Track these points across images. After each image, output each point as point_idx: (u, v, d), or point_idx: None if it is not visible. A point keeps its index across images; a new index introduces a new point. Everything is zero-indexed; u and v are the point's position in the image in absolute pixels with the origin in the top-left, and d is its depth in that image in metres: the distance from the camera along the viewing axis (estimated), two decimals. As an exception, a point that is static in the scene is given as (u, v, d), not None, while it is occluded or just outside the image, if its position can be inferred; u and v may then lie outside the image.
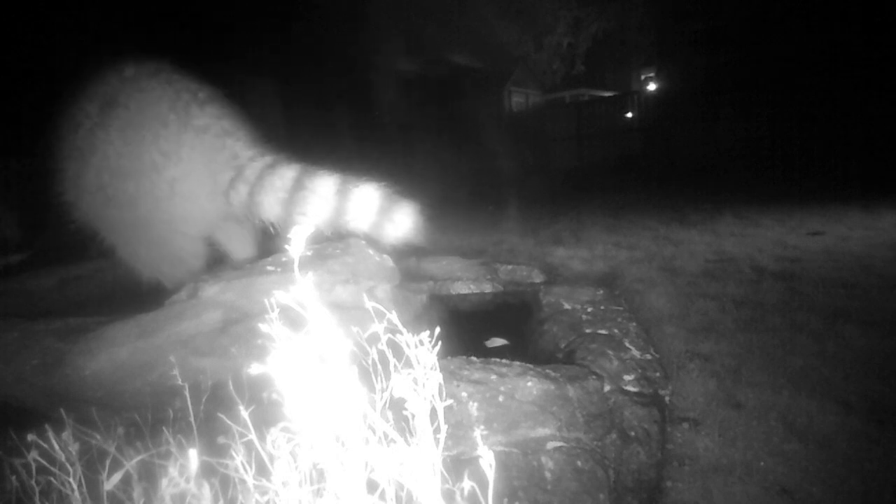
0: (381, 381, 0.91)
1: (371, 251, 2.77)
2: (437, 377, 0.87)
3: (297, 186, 2.75)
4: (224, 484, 0.95)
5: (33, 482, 1.00)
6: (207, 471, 0.93)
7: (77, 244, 3.07)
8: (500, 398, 1.64)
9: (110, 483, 0.93)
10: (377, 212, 2.72)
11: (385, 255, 2.80)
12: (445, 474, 0.85)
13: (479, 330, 2.72)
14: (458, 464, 1.32)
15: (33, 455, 0.98)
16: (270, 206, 2.75)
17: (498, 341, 2.61)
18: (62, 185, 2.87)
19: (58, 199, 2.89)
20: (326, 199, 2.72)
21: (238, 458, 0.90)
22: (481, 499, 0.80)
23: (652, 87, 15.98)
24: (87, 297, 3.44)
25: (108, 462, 0.97)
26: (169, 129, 2.76)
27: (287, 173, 2.79)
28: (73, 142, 2.81)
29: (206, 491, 0.89)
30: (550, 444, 1.52)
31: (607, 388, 1.86)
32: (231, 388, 1.06)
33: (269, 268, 2.44)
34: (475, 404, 1.59)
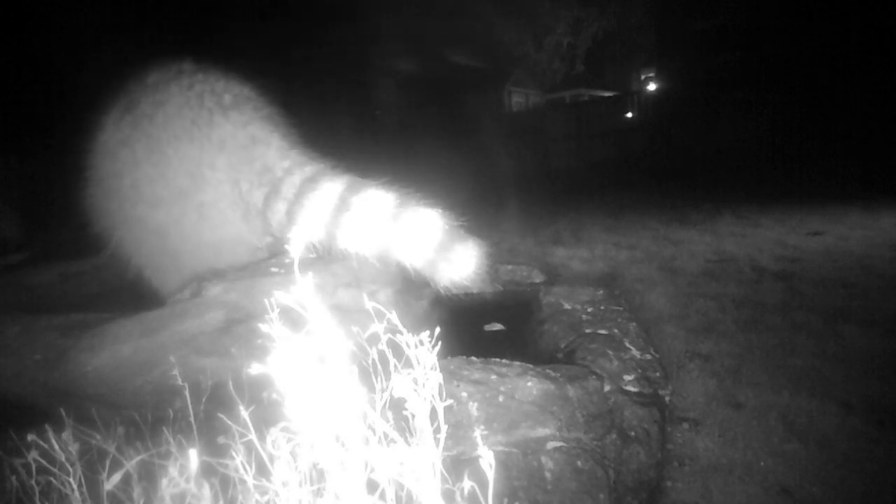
0: (381, 381, 0.91)
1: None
2: (437, 377, 0.87)
3: (342, 206, 2.31)
4: (224, 484, 0.95)
5: (33, 482, 1.00)
6: (207, 471, 0.93)
7: (77, 244, 3.02)
8: (500, 398, 1.64)
9: (110, 483, 0.93)
10: (437, 248, 2.27)
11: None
12: (445, 474, 0.85)
13: (480, 330, 2.72)
14: (458, 464, 1.31)
15: (33, 455, 0.98)
16: (311, 229, 2.35)
17: (496, 326, 2.67)
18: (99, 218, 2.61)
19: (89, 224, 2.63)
20: (377, 225, 2.28)
21: (238, 458, 0.90)
22: (481, 499, 0.79)
23: (652, 87, 15.99)
24: (88, 293, 3.42)
25: (108, 462, 0.97)
26: (194, 145, 2.44)
27: (331, 188, 2.35)
28: (100, 166, 2.52)
29: (206, 491, 0.90)
30: (550, 444, 1.52)
31: (607, 388, 1.86)
32: (231, 387, 1.06)
33: (273, 269, 2.43)
34: (475, 404, 1.59)
